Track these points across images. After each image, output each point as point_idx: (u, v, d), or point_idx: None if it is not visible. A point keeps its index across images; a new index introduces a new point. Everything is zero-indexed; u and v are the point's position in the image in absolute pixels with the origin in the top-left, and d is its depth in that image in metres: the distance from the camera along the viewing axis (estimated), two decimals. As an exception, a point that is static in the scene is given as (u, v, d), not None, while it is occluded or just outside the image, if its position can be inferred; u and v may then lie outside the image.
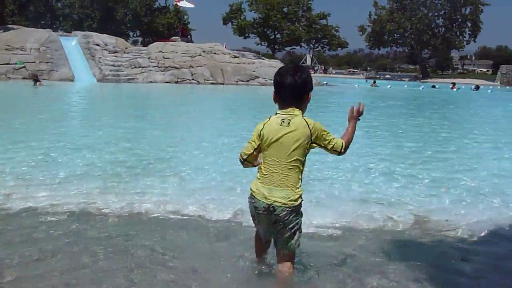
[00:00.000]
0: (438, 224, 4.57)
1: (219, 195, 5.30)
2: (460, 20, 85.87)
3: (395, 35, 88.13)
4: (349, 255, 3.71)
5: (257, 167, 3.20)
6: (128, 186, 5.58)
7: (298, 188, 3.08)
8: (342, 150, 3.19)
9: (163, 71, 34.72)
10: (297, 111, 3.13)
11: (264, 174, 3.10)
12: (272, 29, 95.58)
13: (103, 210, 4.64)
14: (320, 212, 4.64)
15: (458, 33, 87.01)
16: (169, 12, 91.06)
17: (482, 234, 4.35)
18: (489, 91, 46.29)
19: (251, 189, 3.13)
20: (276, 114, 3.17)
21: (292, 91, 3.13)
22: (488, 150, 9.59)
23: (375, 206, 4.95)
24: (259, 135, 3.13)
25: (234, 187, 5.70)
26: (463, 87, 51.45)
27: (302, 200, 3.10)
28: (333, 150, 3.17)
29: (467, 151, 9.43)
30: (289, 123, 3.07)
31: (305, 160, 3.15)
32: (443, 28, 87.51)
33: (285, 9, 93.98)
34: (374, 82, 50.44)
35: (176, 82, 33.63)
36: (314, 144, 3.12)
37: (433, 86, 50.93)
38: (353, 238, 4.09)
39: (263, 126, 3.14)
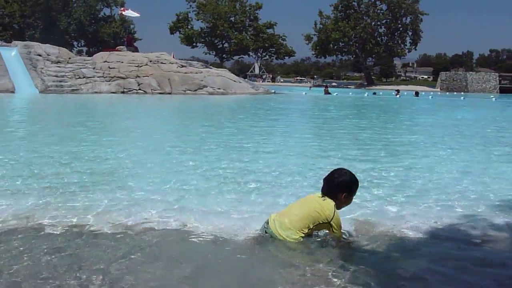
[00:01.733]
0: (377, 227, 4.67)
1: (166, 206, 5.25)
2: (401, 29, 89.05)
3: (340, 43, 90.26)
4: (296, 262, 3.75)
5: None
6: (69, 201, 5.43)
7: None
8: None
9: (109, 81, 34.08)
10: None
11: None
12: (219, 38, 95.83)
13: (43, 226, 4.49)
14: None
15: (399, 41, 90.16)
16: (115, 22, 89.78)
17: (423, 235, 4.49)
18: (430, 97, 48.13)
19: None
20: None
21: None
22: (425, 151, 9.93)
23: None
24: None
25: (180, 197, 5.67)
26: (406, 93, 53.51)
27: None
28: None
29: (401, 152, 9.73)
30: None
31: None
32: (386, 37, 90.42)
33: (232, 19, 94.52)
34: (326, 87, 51.32)
35: (123, 92, 33.09)
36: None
37: (374, 93, 52.46)
38: (298, 244, 4.14)
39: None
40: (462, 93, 63.58)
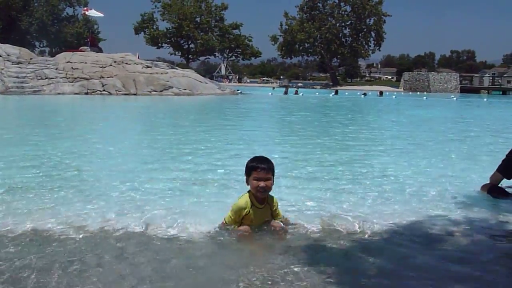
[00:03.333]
0: (343, 227, 4.70)
1: (123, 207, 5.17)
2: (365, 30, 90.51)
3: (306, 44, 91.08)
4: (258, 259, 3.76)
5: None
6: (31, 204, 5.30)
7: None
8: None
9: (72, 82, 33.46)
10: None
11: None
12: (185, 38, 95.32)
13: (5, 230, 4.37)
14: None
15: (364, 42, 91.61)
16: (78, 22, 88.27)
17: (386, 234, 4.54)
18: (394, 97, 49.10)
19: None
20: None
21: None
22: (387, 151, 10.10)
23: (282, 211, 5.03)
24: None
25: (135, 197, 5.60)
26: (370, 93, 54.56)
27: None
28: None
29: (366, 151, 9.87)
30: None
31: None
32: (350, 38, 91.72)
33: (197, 19, 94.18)
34: (296, 91, 52.04)
35: (86, 93, 32.54)
36: None
37: (336, 92, 53.26)
38: (258, 243, 4.15)
39: None
40: (425, 93, 64.98)
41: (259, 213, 4.23)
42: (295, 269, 3.53)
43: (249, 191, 4.25)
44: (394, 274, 3.55)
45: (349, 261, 3.81)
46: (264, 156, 4.37)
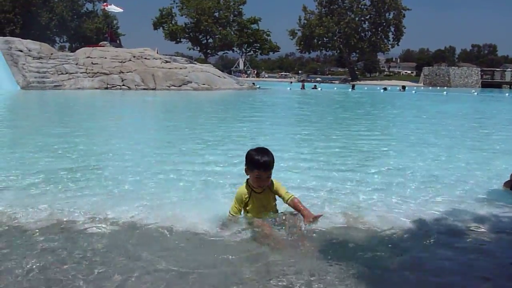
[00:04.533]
0: (367, 222, 4.68)
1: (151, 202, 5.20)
2: (384, 24, 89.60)
3: (324, 39, 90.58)
4: (281, 257, 3.75)
5: None
6: (56, 196, 5.36)
7: None
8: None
9: (92, 77, 33.78)
10: None
11: None
12: (203, 33, 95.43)
13: (27, 222, 4.42)
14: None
15: (383, 36, 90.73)
16: (97, 17, 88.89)
17: (410, 230, 4.51)
18: (414, 91, 48.56)
19: None
20: None
21: None
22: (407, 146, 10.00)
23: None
24: None
25: (166, 193, 5.62)
26: (389, 88, 54.06)
27: None
28: None
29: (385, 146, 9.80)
30: None
31: None
32: (369, 32, 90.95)
33: (216, 14, 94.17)
34: (315, 86, 52.24)
35: (106, 88, 32.83)
36: None
37: (353, 87, 53.20)
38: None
39: None
40: (445, 87, 64.21)
41: (258, 198, 4.29)
42: (316, 264, 3.51)
43: (247, 179, 4.31)
44: (417, 269, 3.52)
45: (373, 256, 3.79)
46: (266, 149, 4.29)
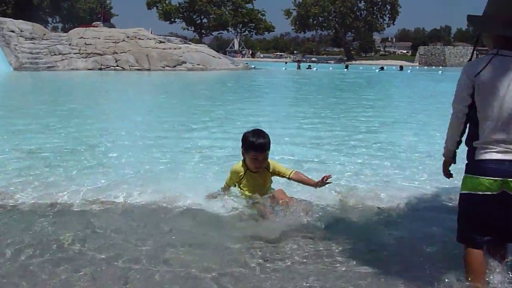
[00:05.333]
0: (360, 199, 4.71)
1: (144, 182, 5.18)
2: (380, 3, 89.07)
3: (320, 18, 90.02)
4: (277, 232, 3.75)
5: None
6: (48, 177, 5.33)
7: None
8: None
9: (85, 57, 33.52)
10: None
11: None
12: (198, 13, 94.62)
13: (17, 203, 4.40)
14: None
15: (378, 16, 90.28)
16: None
17: (402, 208, 4.53)
18: (409, 71, 48.56)
19: None
20: None
21: None
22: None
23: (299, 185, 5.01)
24: None
25: (159, 174, 5.61)
26: (385, 68, 53.94)
27: None
28: None
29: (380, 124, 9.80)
30: None
31: None
32: (365, 11, 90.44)
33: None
34: (309, 66, 52.25)
35: (100, 69, 32.60)
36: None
37: (346, 67, 53.29)
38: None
39: None
40: (440, 67, 64.14)
41: (254, 177, 4.31)
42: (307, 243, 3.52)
43: (244, 158, 4.34)
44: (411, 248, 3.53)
45: (362, 233, 3.81)
46: (262, 131, 4.30)
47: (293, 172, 4.36)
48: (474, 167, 2.65)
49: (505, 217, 2.62)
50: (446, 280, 2.81)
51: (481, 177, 2.59)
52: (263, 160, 4.21)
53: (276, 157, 5.51)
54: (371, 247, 3.51)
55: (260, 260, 3.22)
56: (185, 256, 3.29)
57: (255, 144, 4.13)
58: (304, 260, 3.23)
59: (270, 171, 4.34)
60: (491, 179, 2.56)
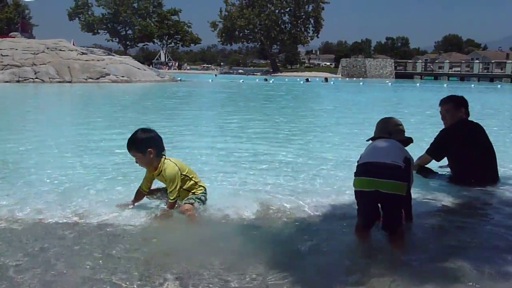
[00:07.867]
0: (280, 208, 4.73)
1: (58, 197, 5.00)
2: (304, 17, 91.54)
3: (246, 31, 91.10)
4: (205, 242, 3.75)
5: None
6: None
7: None
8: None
9: (2, 69, 31.90)
10: None
11: None
12: (122, 24, 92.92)
13: None
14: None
15: (303, 29, 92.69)
16: (8, 6, 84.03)
17: (321, 215, 4.61)
18: (332, 82, 50.15)
19: None
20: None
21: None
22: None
23: (217, 195, 5.01)
24: None
25: (74, 189, 5.44)
26: (310, 79, 55.41)
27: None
28: None
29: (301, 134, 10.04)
30: None
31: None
32: (289, 25, 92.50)
33: (135, 5, 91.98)
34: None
35: (18, 81, 31.11)
36: None
37: (265, 80, 54.10)
38: (207, 226, 4.14)
39: None
40: (361, 78, 66.69)
41: (148, 177, 4.45)
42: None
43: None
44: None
45: (279, 242, 3.87)
46: (139, 129, 4.37)
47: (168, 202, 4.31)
48: None
49: None
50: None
51: None
52: (137, 160, 4.31)
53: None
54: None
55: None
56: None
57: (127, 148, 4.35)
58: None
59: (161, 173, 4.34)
60: None
